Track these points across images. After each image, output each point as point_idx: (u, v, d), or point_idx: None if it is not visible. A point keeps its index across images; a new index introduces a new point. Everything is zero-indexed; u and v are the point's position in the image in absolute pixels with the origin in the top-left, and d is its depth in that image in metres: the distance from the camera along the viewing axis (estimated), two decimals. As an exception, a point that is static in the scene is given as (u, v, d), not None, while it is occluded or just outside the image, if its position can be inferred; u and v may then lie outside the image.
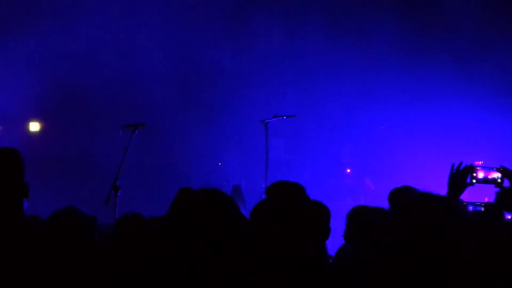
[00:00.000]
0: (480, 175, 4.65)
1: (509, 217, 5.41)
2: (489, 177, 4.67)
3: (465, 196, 4.72)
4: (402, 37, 12.52)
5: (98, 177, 10.72)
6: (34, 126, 10.89)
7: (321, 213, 4.73)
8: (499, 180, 4.61)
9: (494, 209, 5.42)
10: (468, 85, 12.25)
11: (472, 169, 4.58)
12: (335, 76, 12.49)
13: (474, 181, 4.62)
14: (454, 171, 4.54)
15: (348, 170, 12.86)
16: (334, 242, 5.01)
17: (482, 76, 12.13)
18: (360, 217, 5.16)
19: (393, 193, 5.26)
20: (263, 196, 4.50)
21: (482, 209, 5.59)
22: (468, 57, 12.13)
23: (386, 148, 12.60)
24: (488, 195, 5.92)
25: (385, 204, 5.16)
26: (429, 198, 3.24)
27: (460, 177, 4.49)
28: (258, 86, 12.43)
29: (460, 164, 4.54)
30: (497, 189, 5.13)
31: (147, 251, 3.91)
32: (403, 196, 5.05)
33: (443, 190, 4.96)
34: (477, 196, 5.71)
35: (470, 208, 5.65)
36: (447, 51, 12.28)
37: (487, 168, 4.66)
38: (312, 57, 12.49)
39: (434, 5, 12.26)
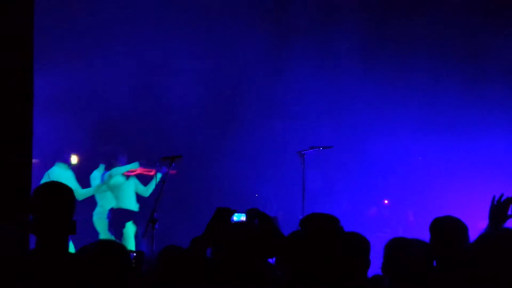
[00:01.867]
0: None
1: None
2: None
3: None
4: (435, 67, 12.50)
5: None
6: (74, 159, 11.00)
7: (359, 244, 4.76)
8: None
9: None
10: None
11: None
12: (372, 106, 12.50)
13: None
14: (495, 203, 4.55)
15: (386, 201, 12.73)
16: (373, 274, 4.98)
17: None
18: (398, 249, 5.12)
19: (435, 222, 5.17)
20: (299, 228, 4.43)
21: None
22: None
23: (425, 179, 12.50)
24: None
25: (423, 235, 5.09)
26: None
27: (502, 209, 4.49)
28: (294, 117, 12.41)
29: (502, 195, 4.56)
30: None
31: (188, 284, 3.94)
32: (446, 226, 4.94)
33: (483, 222, 4.89)
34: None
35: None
36: (490, 81, 12.21)
37: None
38: (349, 88, 12.46)
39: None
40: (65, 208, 4.05)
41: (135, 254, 4.90)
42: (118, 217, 10.80)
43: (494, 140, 12.27)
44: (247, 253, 4.02)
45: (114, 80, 11.70)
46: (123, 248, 4.01)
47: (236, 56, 12.36)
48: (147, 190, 11.14)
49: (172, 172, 10.22)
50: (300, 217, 9.85)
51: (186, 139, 11.29)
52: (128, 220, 10.95)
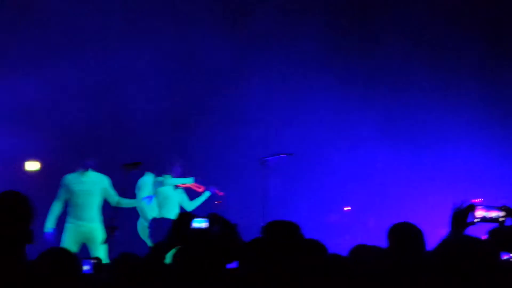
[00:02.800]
0: (482, 214, 4.64)
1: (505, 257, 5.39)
2: (490, 216, 4.65)
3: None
4: (398, 75, 12.60)
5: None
6: (32, 166, 10.88)
7: (317, 251, 4.77)
8: (501, 219, 4.60)
9: (492, 247, 5.41)
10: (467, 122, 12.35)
11: (473, 208, 4.60)
12: (334, 114, 12.54)
13: (475, 220, 4.64)
14: (456, 209, 4.59)
15: (347, 208, 12.81)
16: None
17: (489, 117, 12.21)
18: (359, 255, 5.16)
19: (393, 228, 5.21)
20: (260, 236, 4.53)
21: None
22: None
23: (386, 186, 12.59)
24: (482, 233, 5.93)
25: (383, 242, 5.13)
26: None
27: (462, 216, 4.55)
28: (257, 124, 12.43)
29: (462, 203, 4.61)
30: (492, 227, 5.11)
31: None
32: (403, 232, 5.00)
33: (444, 229, 4.94)
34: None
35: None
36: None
37: (488, 207, 4.65)
38: (310, 95, 12.52)
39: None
40: (20, 217, 4.03)
41: (94, 262, 4.88)
42: (160, 226, 10.51)
43: (454, 148, 12.45)
44: (207, 258, 3.95)
45: (74, 87, 11.62)
46: (70, 255, 4.04)
47: (199, 61, 12.34)
48: (192, 204, 10.99)
49: (220, 193, 10.52)
50: (262, 224, 9.89)
51: (148, 146, 11.21)
52: None
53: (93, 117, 11.87)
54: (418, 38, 12.49)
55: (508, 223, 4.61)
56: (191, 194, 10.93)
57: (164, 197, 10.74)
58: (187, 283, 3.96)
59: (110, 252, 9.26)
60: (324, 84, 12.38)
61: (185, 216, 4.31)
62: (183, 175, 10.83)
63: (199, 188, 10.82)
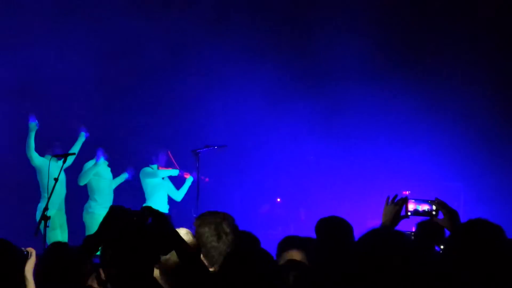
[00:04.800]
0: (414, 207, 4.61)
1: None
2: (423, 209, 4.61)
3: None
4: (332, 65, 12.70)
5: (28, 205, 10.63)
6: None
7: (250, 242, 4.86)
8: (433, 212, 4.56)
9: (425, 240, 5.52)
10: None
11: (406, 201, 4.58)
12: (266, 105, 12.58)
13: (409, 213, 4.61)
14: (389, 203, 4.57)
15: (279, 199, 12.92)
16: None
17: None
18: (289, 247, 5.23)
19: (320, 223, 5.27)
20: (193, 227, 4.49)
21: (412, 238, 5.70)
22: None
23: (317, 178, 12.69)
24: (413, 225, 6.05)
25: (314, 234, 5.21)
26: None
27: (395, 209, 4.51)
28: (189, 116, 12.43)
29: (395, 196, 4.57)
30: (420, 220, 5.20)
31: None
32: (330, 226, 5.05)
33: (375, 221, 5.02)
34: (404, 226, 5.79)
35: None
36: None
37: (420, 201, 4.62)
38: (241, 86, 12.52)
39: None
40: None
41: (25, 252, 4.84)
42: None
43: (385, 142, 12.68)
44: (138, 251, 4.01)
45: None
46: (6, 245, 3.96)
47: (137, 50, 12.30)
48: (180, 194, 11.02)
49: (206, 179, 10.68)
50: (194, 215, 9.92)
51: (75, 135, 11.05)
52: None
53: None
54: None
55: (440, 216, 4.63)
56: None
57: (152, 188, 10.73)
58: (116, 277, 3.94)
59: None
60: (257, 75, 12.41)
61: (117, 209, 4.27)
62: (168, 164, 10.89)
63: (186, 174, 10.87)
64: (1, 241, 3.98)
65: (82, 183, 10.57)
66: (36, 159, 10.19)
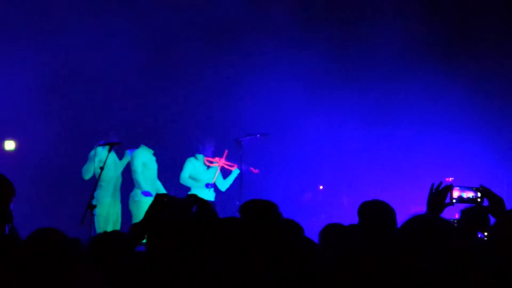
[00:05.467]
0: (459, 194, 4.63)
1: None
2: (467, 196, 4.63)
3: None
4: (372, 56, 12.62)
5: (75, 195, 10.72)
6: (9, 145, 10.78)
7: (294, 231, 4.84)
8: (478, 200, 4.58)
9: (468, 227, 5.46)
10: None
11: (451, 188, 4.58)
12: (308, 92, 12.52)
13: (454, 200, 4.61)
14: (433, 190, 4.55)
15: (321, 187, 12.88)
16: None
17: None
18: (332, 234, 5.23)
19: (363, 206, 5.21)
20: (237, 215, 4.49)
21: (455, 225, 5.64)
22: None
23: (361, 165, 12.63)
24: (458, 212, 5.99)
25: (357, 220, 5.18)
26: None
27: (440, 196, 4.50)
28: (232, 105, 12.42)
29: (440, 183, 4.55)
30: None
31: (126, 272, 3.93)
32: (372, 210, 4.96)
33: (418, 207, 4.96)
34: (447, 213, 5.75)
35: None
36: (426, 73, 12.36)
37: (465, 188, 4.64)
38: (285, 73, 12.45)
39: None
40: None
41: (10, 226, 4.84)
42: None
43: (432, 130, 12.47)
44: (184, 239, 4.02)
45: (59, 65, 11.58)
46: (58, 235, 3.88)
47: (173, 40, 12.26)
48: (225, 184, 11.06)
49: (255, 171, 10.56)
50: (238, 203, 9.94)
51: (125, 128, 11.13)
52: None
53: (74, 95, 11.87)
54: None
55: (485, 203, 4.58)
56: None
57: (197, 177, 10.79)
58: (163, 266, 3.95)
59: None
60: (299, 62, 12.37)
61: (162, 197, 4.29)
62: (214, 155, 10.92)
63: (232, 166, 10.86)
64: (51, 229, 3.94)
65: (86, 176, 10.68)
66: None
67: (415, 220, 3.42)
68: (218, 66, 12.50)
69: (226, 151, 10.95)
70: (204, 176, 10.92)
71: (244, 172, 10.71)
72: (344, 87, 12.43)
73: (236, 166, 10.84)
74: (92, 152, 10.38)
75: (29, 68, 11.34)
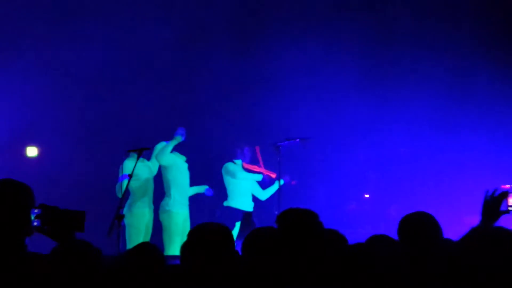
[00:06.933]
0: None
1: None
2: None
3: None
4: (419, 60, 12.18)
5: (101, 205, 10.27)
6: (32, 151, 10.59)
7: (336, 242, 4.47)
8: None
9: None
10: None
11: (507, 195, 4.46)
12: (352, 97, 12.14)
13: (510, 208, 4.51)
14: (488, 198, 4.42)
15: (367, 195, 12.53)
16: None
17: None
18: (378, 247, 4.79)
19: (404, 220, 4.74)
20: (275, 225, 4.21)
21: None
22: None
23: (409, 173, 12.29)
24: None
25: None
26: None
27: (495, 204, 4.40)
28: (271, 108, 12.02)
29: (495, 190, 4.43)
30: None
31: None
32: (413, 223, 4.62)
33: (470, 217, 4.63)
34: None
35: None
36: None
37: None
38: (329, 76, 12.16)
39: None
40: (20, 208, 3.88)
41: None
42: (228, 216, 10.03)
43: (482, 135, 12.08)
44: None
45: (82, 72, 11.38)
46: (90, 250, 3.75)
47: (206, 43, 12.07)
48: (265, 195, 10.61)
49: (293, 182, 10.28)
50: (276, 212, 9.45)
51: (152, 131, 10.79)
52: (238, 220, 9.98)
53: (100, 101, 11.60)
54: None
55: None
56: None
57: (234, 186, 10.25)
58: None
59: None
60: (341, 62, 12.06)
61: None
62: (252, 161, 10.45)
63: (272, 174, 10.37)
64: (80, 241, 3.85)
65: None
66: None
67: (475, 233, 3.08)
68: (255, 66, 12.19)
69: (258, 148, 10.43)
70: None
71: (284, 182, 10.22)
72: (390, 89, 12.18)
73: (275, 174, 10.28)
74: (120, 168, 9.80)
75: (51, 73, 11.27)
